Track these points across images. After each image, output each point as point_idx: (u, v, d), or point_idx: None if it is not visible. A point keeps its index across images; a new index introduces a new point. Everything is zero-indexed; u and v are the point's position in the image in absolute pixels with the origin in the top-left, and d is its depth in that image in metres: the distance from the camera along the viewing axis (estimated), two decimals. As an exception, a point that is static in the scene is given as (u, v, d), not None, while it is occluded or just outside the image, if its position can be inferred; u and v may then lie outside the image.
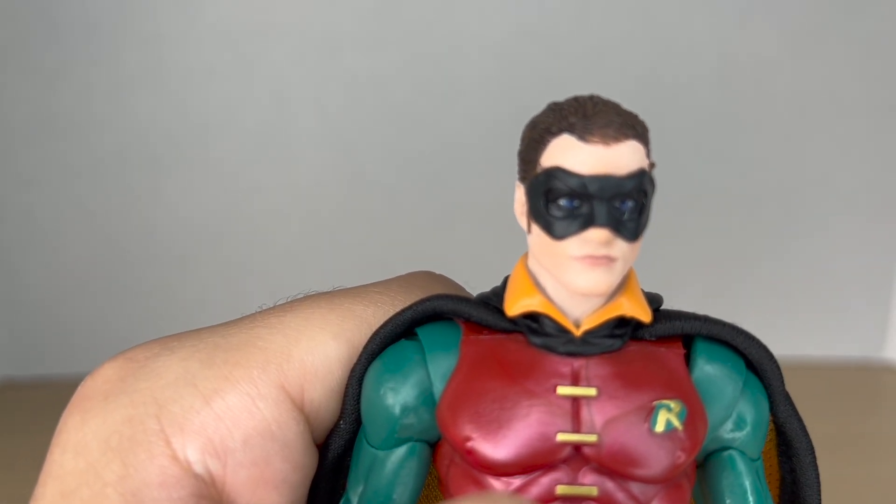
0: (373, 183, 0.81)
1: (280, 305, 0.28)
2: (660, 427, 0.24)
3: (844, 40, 0.80)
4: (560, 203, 0.23)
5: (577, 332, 0.24)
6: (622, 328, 0.25)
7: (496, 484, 0.24)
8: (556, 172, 0.23)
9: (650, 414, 0.24)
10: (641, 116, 0.24)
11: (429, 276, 0.31)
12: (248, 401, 0.25)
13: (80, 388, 0.26)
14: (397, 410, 0.26)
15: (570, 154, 0.23)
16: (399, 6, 0.79)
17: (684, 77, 0.81)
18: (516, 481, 0.24)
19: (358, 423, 0.27)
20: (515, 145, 0.26)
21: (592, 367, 0.24)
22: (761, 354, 0.26)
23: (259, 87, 0.80)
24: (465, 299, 0.26)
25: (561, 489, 0.24)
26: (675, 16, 0.80)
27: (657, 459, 0.24)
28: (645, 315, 0.25)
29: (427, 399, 0.26)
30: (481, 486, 0.24)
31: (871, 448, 0.72)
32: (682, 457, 0.24)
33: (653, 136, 0.24)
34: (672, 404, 0.24)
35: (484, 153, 0.78)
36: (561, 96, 0.25)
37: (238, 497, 0.25)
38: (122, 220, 0.81)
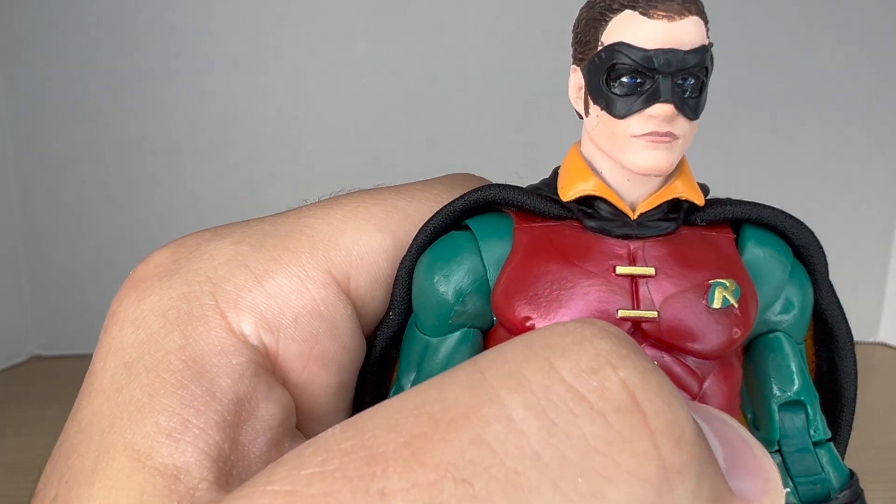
0: (386, 170, 0.80)
1: (325, 200, 0.28)
2: (717, 303, 0.23)
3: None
4: (623, 80, 0.23)
5: (633, 216, 0.24)
6: (676, 212, 0.25)
7: None
8: (620, 47, 0.23)
9: (707, 291, 0.24)
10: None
11: (469, 177, 0.30)
12: (298, 282, 0.25)
13: (132, 273, 0.26)
14: (451, 296, 0.25)
15: (634, 28, 0.23)
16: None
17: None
18: None
19: (407, 314, 0.27)
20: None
21: (648, 248, 0.24)
22: (809, 239, 0.26)
23: (275, 76, 0.81)
24: (517, 187, 0.26)
25: None
26: None
27: (716, 334, 0.24)
28: (698, 198, 0.25)
29: (482, 285, 0.25)
30: None
31: (869, 418, 0.73)
32: (738, 333, 0.24)
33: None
34: (727, 283, 0.24)
35: (491, 139, 0.79)
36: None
37: (290, 370, 0.25)
38: (144, 204, 0.83)
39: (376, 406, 0.18)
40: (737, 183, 0.81)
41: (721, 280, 0.24)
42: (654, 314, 0.24)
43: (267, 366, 0.25)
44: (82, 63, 0.80)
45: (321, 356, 0.26)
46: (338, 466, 0.16)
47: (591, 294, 0.24)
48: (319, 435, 0.18)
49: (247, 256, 0.26)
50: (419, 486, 0.16)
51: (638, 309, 0.24)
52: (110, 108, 0.81)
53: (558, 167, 0.26)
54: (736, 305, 0.24)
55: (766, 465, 0.20)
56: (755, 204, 0.26)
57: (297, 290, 0.25)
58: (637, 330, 0.24)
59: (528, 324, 0.24)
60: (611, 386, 0.17)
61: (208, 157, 0.83)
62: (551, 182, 0.26)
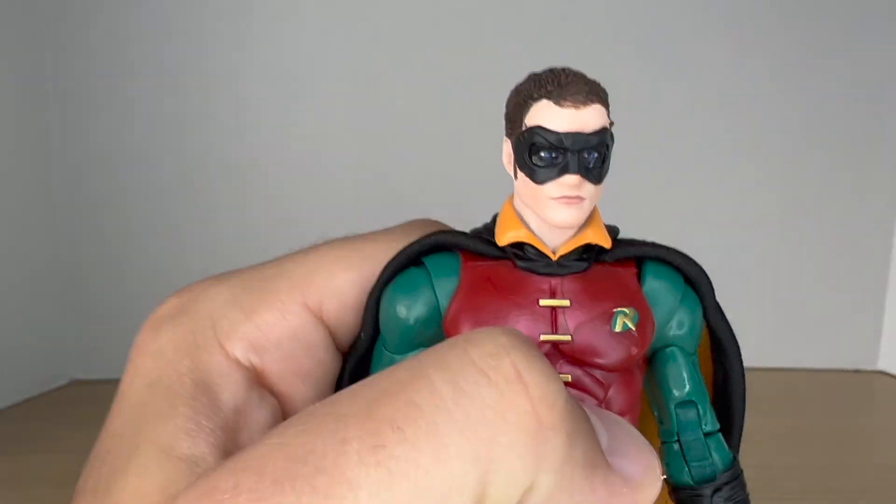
0: (409, 206, 0.84)
1: (305, 248, 0.34)
2: (618, 328, 0.30)
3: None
4: (541, 154, 0.29)
5: (554, 257, 0.30)
6: (588, 253, 0.31)
7: None
8: (538, 130, 0.29)
9: (610, 318, 0.30)
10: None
11: (426, 222, 0.36)
12: (278, 314, 0.32)
13: (150, 315, 0.32)
14: (411, 321, 0.31)
15: (549, 115, 0.29)
16: (426, 47, 0.85)
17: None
18: None
19: (375, 335, 0.33)
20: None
21: (566, 284, 0.30)
22: (697, 272, 0.32)
23: (303, 119, 0.86)
24: (463, 233, 0.32)
25: None
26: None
27: (616, 352, 0.30)
28: (606, 242, 0.31)
29: (435, 313, 0.31)
30: None
31: (868, 440, 0.77)
32: (635, 350, 0.30)
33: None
34: (627, 311, 0.30)
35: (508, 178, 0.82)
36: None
37: (275, 384, 0.32)
38: (181, 238, 0.88)
39: (347, 388, 0.25)
40: (740, 210, 0.86)
41: (622, 308, 0.30)
42: (568, 337, 0.30)
43: (257, 381, 0.31)
44: (125, 108, 0.85)
45: (299, 371, 0.32)
46: (315, 425, 0.23)
47: (520, 322, 0.30)
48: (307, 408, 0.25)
49: (239, 297, 0.32)
50: (370, 432, 0.22)
51: (556, 333, 0.30)
52: (150, 149, 0.86)
53: (497, 214, 0.32)
54: (634, 329, 0.30)
55: (648, 457, 0.27)
56: (653, 244, 0.32)
57: (277, 321, 0.32)
58: (555, 350, 0.30)
59: None
60: (503, 366, 0.24)
61: (241, 194, 0.88)
62: (491, 227, 0.32)
